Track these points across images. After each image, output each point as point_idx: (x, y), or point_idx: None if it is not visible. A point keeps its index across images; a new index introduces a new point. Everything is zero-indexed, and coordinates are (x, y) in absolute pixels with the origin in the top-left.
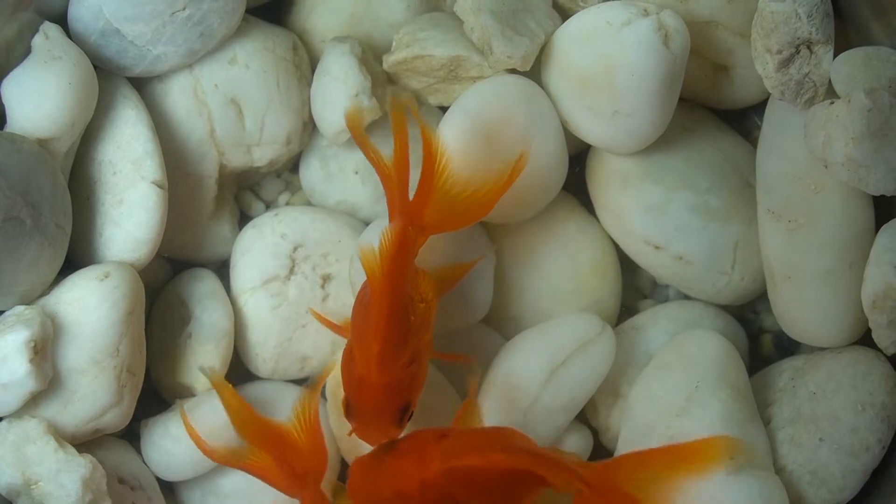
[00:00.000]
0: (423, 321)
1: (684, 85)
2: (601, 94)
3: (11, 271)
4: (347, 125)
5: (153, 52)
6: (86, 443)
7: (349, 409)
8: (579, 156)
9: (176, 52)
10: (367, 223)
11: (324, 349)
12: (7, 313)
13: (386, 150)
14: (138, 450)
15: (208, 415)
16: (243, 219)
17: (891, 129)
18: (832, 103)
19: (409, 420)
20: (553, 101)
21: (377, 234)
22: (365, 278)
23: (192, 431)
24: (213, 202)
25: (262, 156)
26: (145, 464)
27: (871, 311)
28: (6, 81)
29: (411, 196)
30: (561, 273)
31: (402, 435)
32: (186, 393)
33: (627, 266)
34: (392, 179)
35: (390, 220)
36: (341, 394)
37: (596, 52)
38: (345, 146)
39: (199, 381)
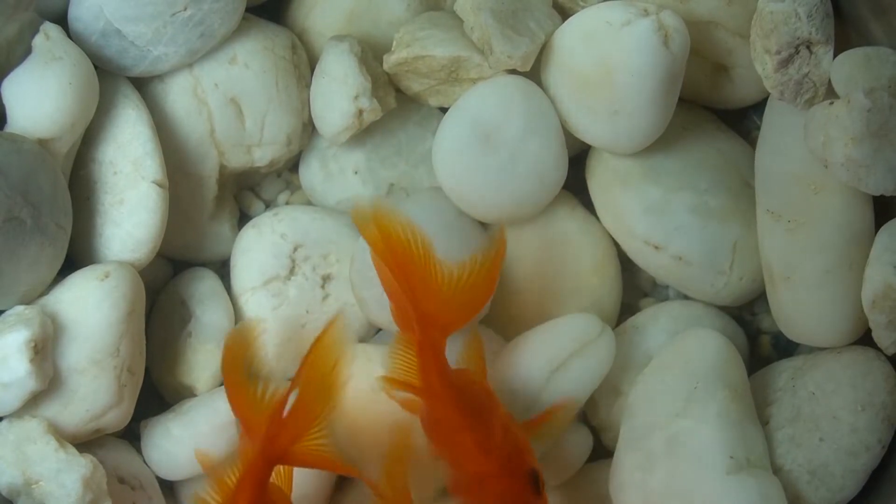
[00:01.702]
0: (487, 398)
1: (684, 85)
2: (601, 94)
3: (12, 271)
4: (353, 221)
5: (154, 53)
6: (86, 442)
7: None
8: (579, 156)
9: (176, 52)
10: None
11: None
12: (7, 313)
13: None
14: (138, 449)
15: (208, 415)
16: (243, 218)
17: (890, 129)
18: (832, 103)
19: (543, 485)
20: (553, 101)
21: None
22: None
23: None
24: (213, 202)
25: (262, 156)
26: (146, 463)
27: (870, 311)
28: (7, 81)
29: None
30: (561, 273)
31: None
32: (187, 393)
33: (627, 266)
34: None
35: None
36: None
37: (596, 52)
38: (345, 146)
39: (199, 381)
